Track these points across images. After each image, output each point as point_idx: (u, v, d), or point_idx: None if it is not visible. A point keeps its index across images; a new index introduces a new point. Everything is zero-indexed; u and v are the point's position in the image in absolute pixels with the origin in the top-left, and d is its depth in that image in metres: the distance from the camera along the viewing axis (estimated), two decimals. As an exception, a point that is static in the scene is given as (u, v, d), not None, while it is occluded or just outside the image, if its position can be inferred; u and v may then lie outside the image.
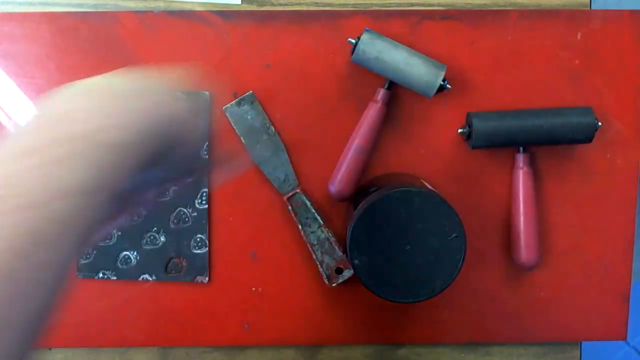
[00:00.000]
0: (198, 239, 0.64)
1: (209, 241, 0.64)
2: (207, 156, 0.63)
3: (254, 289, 0.65)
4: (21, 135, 0.32)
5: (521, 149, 0.62)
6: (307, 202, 0.63)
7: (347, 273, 0.63)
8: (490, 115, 0.60)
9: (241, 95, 0.63)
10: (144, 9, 0.63)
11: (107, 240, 0.64)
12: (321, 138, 0.63)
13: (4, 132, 0.63)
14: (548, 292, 0.65)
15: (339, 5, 0.63)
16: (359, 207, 0.54)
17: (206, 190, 0.63)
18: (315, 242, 0.63)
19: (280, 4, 0.63)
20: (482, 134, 0.59)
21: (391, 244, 0.53)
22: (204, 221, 0.64)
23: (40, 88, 0.62)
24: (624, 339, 0.66)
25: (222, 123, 0.63)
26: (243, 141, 0.63)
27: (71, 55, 0.62)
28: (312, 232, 0.63)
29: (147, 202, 0.42)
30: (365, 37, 0.59)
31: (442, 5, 0.64)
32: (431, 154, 0.64)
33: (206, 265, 0.64)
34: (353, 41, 0.59)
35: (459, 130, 0.61)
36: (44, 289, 0.28)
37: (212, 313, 0.65)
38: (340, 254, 0.63)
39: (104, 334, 0.65)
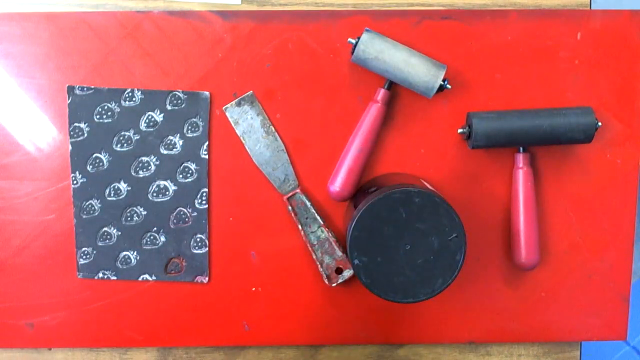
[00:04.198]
0: (198, 239, 0.64)
1: (209, 241, 0.64)
2: (206, 156, 0.63)
3: (254, 289, 0.65)
4: None
5: (521, 149, 0.62)
6: (307, 202, 0.63)
7: (347, 273, 0.63)
8: (490, 115, 0.60)
9: (241, 95, 0.63)
10: (144, 9, 0.63)
11: (107, 240, 0.64)
12: (321, 138, 0.63)
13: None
14: (548, 292, 0.65)
15: (339, 5, 0.63)
16: (359, 207, 0.54)
17: (206, 190, 0.63)
18: (315, 242, 0.63)
19: (280, 4, 0.63)
20: (482, 134, 0.59)
21: (391, 244, 0.53)
22: (203, 221, 0.64)
23: (40, 88, 0.62)
24: (624, 339, 0.66)
25: (222, 123, 0.63)
26: (243, 141, 0.63)
27: (71, 55, 0.62)
28: (312, 232, 0.63)
29: None
30: (365, 37, 0.59)
31: (442, 5, 0.63)
32: (431, 154, 0.64)
33: (206, 265, 0.64)
34: (353, 41, 0.59)
35: (459, 130, 0.61)
36: None
37: (212, 313, 0.65)
38: (340, 254, 0.63)
39: (104, 334, 0.65)
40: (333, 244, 0.63)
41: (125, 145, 0.63)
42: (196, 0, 0.63)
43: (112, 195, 0.63)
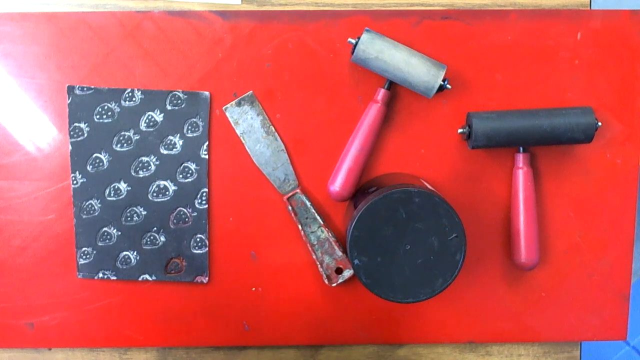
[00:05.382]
0: (198, 239, 0.64)
1: (209, 241, 0.64)
2: (206, 156, 0.63)
3: (254, 289, 0.65)
4: None
5: (521, 149, 0.62)
6: (307, 202, 0.63)
7: (347, 273, 0.63)
8: (490, 115, 0.60)
9: (241, 95, 0.63)
10: (144, 9, 0.63)
11: (107, 240, 0.64)
12: (321, 138, 0.63)
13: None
14: (548, 292, 0.65)
15: (339, 5, 0.63)
16: (359, 207, 0.54)
17: (206, 190, 0.63)
18: (315, 242, 0.63)
19: (280, 4, 0.63)
20: (482, 134, 0.59)
21: (391, 244, 0.53)
22: (204, 221, 0.64)
23: (40, 88, 0.62)
24: (624, 339, 0.66)
25: (222, 123, 0.63)
26: (243, 141, 0.63)
27: (71, 55, 0.62)
28: (312, 232, 0.63)
29: None
30: (365, 37, 0.59)
31: (442, 5, 0.64)
32: (431, 154, 0.64)
33: (206, 265, 0.64)
34: (353, 41, 0.59)
35: (459, 130, 0.61)
36: None
37: (212, 313, 0.65)
38: (340, 254, 0.63)
39: (104, 334, 0.65)
40: (333, 244, 0.63)
41: (125, 145, 0.63)
42: (196, 0, 0.63)
43: (112, 195, 0.63)
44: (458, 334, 0.66)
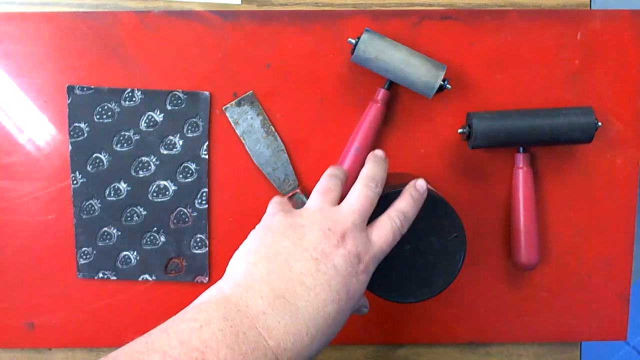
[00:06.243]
0: (198, 239, 0.64)
1: (209, 241, 0.64)
2: (206, 156, 0.63)
3: (254, 289, 0.65)
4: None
5: (521, 149, 0.62)
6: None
7: (347, 273, 0.63)
8: (490, 115, 0.60)
9: (241, 95, 0.63)
10: (144, 9, 0.63)
11: (107, 240, 0.64)
12: (321, 138, 0.63)
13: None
14: (548, 292, 0.65)
15: (339, 5, 0.63)
16: (359, 207, 0.54)
17: (206, 190, 0.63)
18: (315, 242, 0.63)
19: (280, 4, 0.63)
20: (482, 134, 0.59)
21: (391, 244, 0.53)
22: (204, 221, 0.64)
23: (40, 88, 0.62)
24: (624, 339, 0.66)
25: (222, 123, 0.63)
26: (243, 141, 0.63)
27: (71, 55, 0.62)
28: (312, 232, 0.63)
29: None
30: (365, 37, 0.59)
31: (442, 5, 0.64)
32: (431, 154, 0.64)
33: (206, 265, 0.64)
34: (353, 41, 0.59)
35: (459, 130, 0.61)
36: None
37: (212, 313, 0.65)
38: (340, 254, 0.63)
39: (104, 334, 0.65)
40: (333, 244, 0.63)
41: (125, 145, 0.63)
42: (196, 0, 0.63)
43: (112, 195, 0.63)
44: (458, 334, 0.66)
